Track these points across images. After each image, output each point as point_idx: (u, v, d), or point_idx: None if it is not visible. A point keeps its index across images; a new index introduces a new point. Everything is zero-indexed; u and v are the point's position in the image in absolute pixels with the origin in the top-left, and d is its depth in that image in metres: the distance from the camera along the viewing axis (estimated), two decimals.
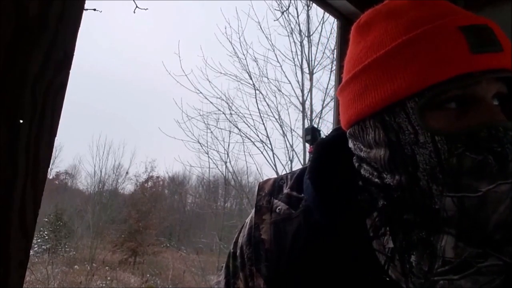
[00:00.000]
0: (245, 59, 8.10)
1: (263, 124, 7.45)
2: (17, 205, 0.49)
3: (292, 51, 8.16)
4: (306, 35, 7.26)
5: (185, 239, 16.70)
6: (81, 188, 19.97)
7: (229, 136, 8.13)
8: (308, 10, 7.18)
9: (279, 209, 0.61)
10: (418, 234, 0.46)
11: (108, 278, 11.73)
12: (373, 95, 0.49)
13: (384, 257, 0.48)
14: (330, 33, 7.04)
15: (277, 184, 0.65)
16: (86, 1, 0.58)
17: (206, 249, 12.98)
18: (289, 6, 7.18)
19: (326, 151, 0.60)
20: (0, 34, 0.48)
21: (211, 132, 8.06)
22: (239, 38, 10.86)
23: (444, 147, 0.44)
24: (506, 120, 0.45)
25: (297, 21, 7.31)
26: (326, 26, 8.47)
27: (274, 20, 9.00)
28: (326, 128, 7.15)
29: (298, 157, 7.20)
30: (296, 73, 7.46)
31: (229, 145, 8.16)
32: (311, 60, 7.26)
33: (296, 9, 7.26)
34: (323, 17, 7.00)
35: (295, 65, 7.38)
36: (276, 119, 7.42)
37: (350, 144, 0.56)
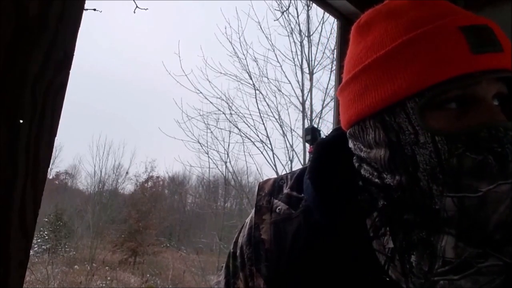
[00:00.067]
0: (245, 59, 8.11)
1: (263, 124, 7.46)
2: (17, 205, 0.49)
3: (292, 51, 8.16)
4: (306, 35, 7.27)
5: (185, 239, 16.70)
6: (81, 188, 20.00)
7: (229, 136, 8.14)
8: (308, 10, 7.19)
9: (279, 209, 0.61)
10: (418, 234, 0.46)
11: (108, 278, 11.73)
12: (373, 95, 0.49)
13: (384, 257, 0.48)
14: (330, 33, 7.05)
15: (277, 184, 0.65)
16: (86, 1, 0.58)
17: (206, 249, 12.98)
18: (289, 6, 7.19)
19: (326, 151, 0.60)
20: (0, 34, 0.48)
21: (211, 132, 8.07)
22: (239, 38, 10.87)
23: (444, 147, 0.44)
24: (506, 120, 0.45)
25: (297, 21, 7.32)
26: (326, 26, 8.48)
27: (274, 20, 9.01)
28: (326, 128, 7.16)
29: (298, 157, 7.21)
30: (296, 73, 7.47)
31: (229, 145, 8.17)
32: (311, 60, 7.27)
33: (296, 9, 7.28)
34: (323, 17, 7.01)
35: (295, 65, 7.39)
36: (276, 119, 7.43)
37: (350, 144, 0.56)
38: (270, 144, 7.36)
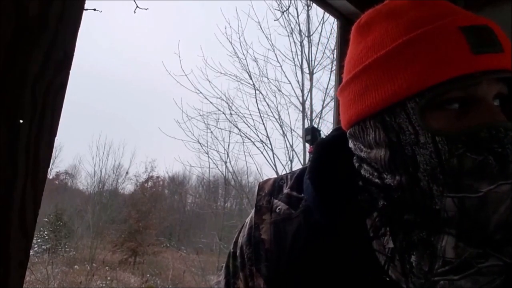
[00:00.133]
0: (245, 59, 8.12)
1: (263, 124, 7.47)
2: (17, 205, 0.49)
3: (292, 51, 8.17)
4: (306, 35, 7.28)
5: (185, 239, 16.71)
6: (81, 188, 20.00)
7: (229, 136, 8.14)
8: (308, 10, 7.19)
9: (279, 209, 0.61)
10: (418, 234, 0.46)
11: (108, 278, 11.73)
12: (374, 95, 0.49)
13: (384, 257, 0.48)
14: (330, 33, 7.06)
15: (277, 184, 0.65)
16: (86, 1, 0.58)
17: (206, 249, 12.98)
18: (289, 6, 7.19)
19: (326, 151, 0.60)
20: (0, 34, 0.48)
21: (211, 132, 8.08)
22: (239, 38, 10.88)
23: (444, 147, 0.44)
24: (507, 120, 0.45)
25: (297, 21, 7.33)
26: (326, 26, 8.48)
27: (274, 20, 9.02)
28: (326, 128, 7.16)
29: (298, 157, 7.21)
30: (296, 73, 7.48)
31: (229, 145, 8.18)
32: (311, 60, 7.28)
33: (296, 9, 7.28)
34: (323, 17, 7.01)
35: (295, 65, 7.40)
36: (276, 119, 7.43)
37: (350, 144, 0.56)
38: (270, 144, 7.38)
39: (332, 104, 6.77)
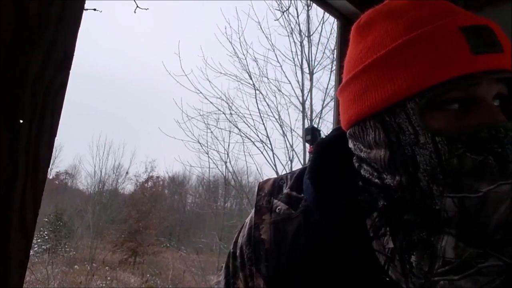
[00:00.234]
0: (245, 59, 8.12)
1: (263, 124, 7.46)
2: (17, 205, 0.49)
3: (292, 51, 8.17)
4: (306, 35, 7.27)
5: (185, 239, 16.70)
6: (81, 188, 20.00)
7: (229, 136, 8.14)
8: (308, 10, 7.19)
9: (279, 209, 0.61)
10: (418, 235, 0.46)
11: (108, 278, 11.73)
12: (373, 96, 0.49)
13: (384, 257, 0.48)
14: (330, 33, 7.05)
15: (277, 184, 0.65)
16: (86, 1, 0.58)
17: (206, 249, 12.98)
18: (289, 6, 7.19)
19: (326, 151, 0.60)
20: (0, 34, 0.48)
21: (211, 132, 8.08)
22: (239, 38, 10.90)
23: (444, 147, 0.44)
24: (507, 120, 0.45)
25: (297, 21, 7.32)
26: (326, 26, 8.49)
27: (274, 20, 9.02)
28: (326, 128, 7.16)
29: (298, 157, 7.21)
30: (296, 73, 7.47)
31: (229, 145, 8.18)
32: (311, 60, 7.27)
33: (296, 9, 7.28)
34: (323, 17, 7.01)
35: (295, 65, 7.40)
36: (276, 119, 7.43)
37: (350, 145, 0.56)
38: (270, 144, 7.37)
39: (332, 104, 6.78)
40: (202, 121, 8.08)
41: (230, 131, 8.08)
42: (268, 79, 7.52)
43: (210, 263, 11.17)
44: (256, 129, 7.50)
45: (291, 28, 7.34)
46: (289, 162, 7.26)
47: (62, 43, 0.54)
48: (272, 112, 7.42)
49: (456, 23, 0.46)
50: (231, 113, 7.79)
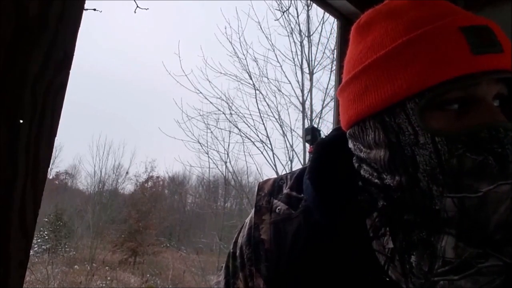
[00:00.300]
0: (245, 59, 8.12)
1: (263, 124, 7.46)
2: (17, 205, 0.49)
3: (292, 51, 8.17)
4: (306, 35, 7.27)
5: (185, 239, 16.70)
6: (81, 188, 20.00)
7: (229, 136, 8.14)
8: (308, 10, 7.19)
9: (278, 209, 0.61)
10: (418, 235, 0.46)
11: (108, 278, 11.73)
12: (373, 96, 0.49)
13: (384, 257, 0.48)
14: (330, 33, 7.05)
15: (276, 184, 0.65)
16: (86, 1, 0.58)
17: (206, 249, 12.98)
18: (289, 7, 7.19)
19: (326, 151, 0.60)
20: (0, 34, 0.48)
21: (211, 132, 8.08)
22: (239, 38, 10.90)
23: (444, 148, 0.44)
24: (507, 121, 0.45)
25: (297, 21, 7.32)
26: (326, 26, 8.49)
27: (275, 20, 9.01)
28: (326, 128, 7.16)
29: (298, 157, 7.21)
30: (296, 73, 7.47)
31: (229, 145, 8.18)
32: (311, 60, 7.27)
33: (296, 9, 7.28)
34: (323, 17, 7.01)
35: (295, 65, 7.40)
36: (276, 119, 7.43)
37: (350, 145, 0.56)
38: (270, 144, 7.37)
39: (332, 104, 6.78)
40: (202, 121, 8.09)
41: (230, 131, 8.09)
42: (268, 79, 7.53)
43: (210, 263, 11.17)
44: (256, 129, 7.51)
45: (291, 28, 7.35)
46: (289, 162, 7.27)
47: (62, 43, 0.54)
48: (272, 112, 7.43)
49: (456, 23, 0.46)
50: (231, 113, 7.80)
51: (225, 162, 8.27)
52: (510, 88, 0.48)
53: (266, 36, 8.63)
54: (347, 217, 0.52)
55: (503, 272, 0.42)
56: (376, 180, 0.51)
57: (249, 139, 7.59)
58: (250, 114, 7.51)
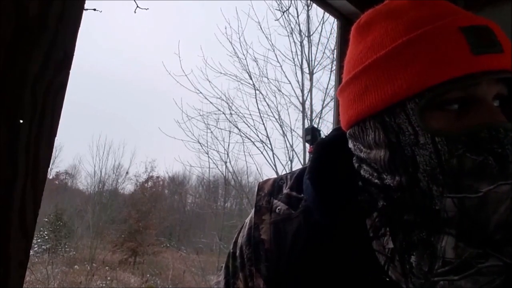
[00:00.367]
0: (245, 59, 8.13)
1: (263, 124, 7.46)
2: (17, 205, 0.49)
3: (292, 51, 8.18)
4: (306, 35, 7.27)
5: (185, 239, 16.70)
6: (81, 188, 19.99)
7: (229, 136, 8.15)
8: (308, 10, 7.19)
9: (278, 209, 0.61)
10: (418, 235, 0.46)
11: (108, 278, 11.72)
12: (373, 96, 0.49)
13: (384, 257, 0.48)
14: (330, 33, 7.06)
15: (276, 184, 0.65)
16: (86, 1, 0.58)
17: (206, 249, 12.98)
18: (289, 7, 7.19)
19: (326, 151, 0.60)
20: (0, 34, 0.48)
21: (211, 132, 8.08)
22: (239, 38, 10.91)
23: (444, 148, 0.44)
24: (507, 121, 0.45)
25: (297, 21, 7.32)
26: (326, 26, 8.49)
27: (275, 20, 9.02)
28: (326, 128, 7.16)
29: (298, 157, 7.21)
30: (296, 73, 7.47)
31: (229, 145, 8.18)
32: (311, 60, 7.28)
33: (296, 9, 7.28)
34: (323, 17, 7.01)
35: (295, 65, 7.40)
36: (276, 119, 7.43)
37: (350, 145, 0.56)
38: (270, 144, 7.37)
39: (332, 104, 6.78)
40: (202, 121, 8.09)
41: (230, 131, 8.09)
42: (268, 79, 7.53)
43: (210, 263, 11.17)
44: (256, 129, 7.51)
45: (291, 28, 7.35)
46: (289, 162, 7.27)
47: (62, 43, 0.54)
48: (272, 112, 7.43)
49: (456, 23, 0.46)
50: (231, 113, 7.80)
51: (225, 162, 8.28)
52: (510, 88, 0.48)
53: (266, 36, 8.66)
54: (347, 217, 0.52)
55: (503, 272, 0.42)
56: (376, 180, 0.51)
57: (249, 139, 7.60)
58: (250, 114, 7.52)
